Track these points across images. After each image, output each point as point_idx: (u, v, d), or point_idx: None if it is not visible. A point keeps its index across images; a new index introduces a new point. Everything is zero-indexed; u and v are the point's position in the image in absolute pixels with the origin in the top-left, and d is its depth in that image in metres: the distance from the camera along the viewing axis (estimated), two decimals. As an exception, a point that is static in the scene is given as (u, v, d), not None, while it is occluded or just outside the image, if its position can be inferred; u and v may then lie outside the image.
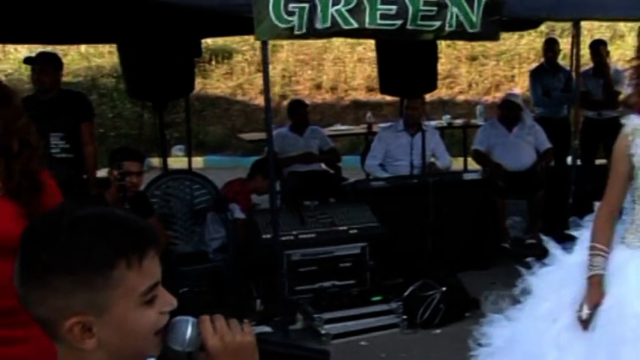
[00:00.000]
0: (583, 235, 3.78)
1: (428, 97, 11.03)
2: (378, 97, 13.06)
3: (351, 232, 6.76)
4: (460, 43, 15.80)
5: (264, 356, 1.65)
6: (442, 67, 15.82)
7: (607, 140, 10.02)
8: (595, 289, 3.51)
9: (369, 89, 15.41)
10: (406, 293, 6.46)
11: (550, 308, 3.70)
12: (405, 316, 6.39)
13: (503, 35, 15.39)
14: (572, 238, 3.87)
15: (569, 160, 10.71)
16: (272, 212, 6.24)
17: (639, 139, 3.51)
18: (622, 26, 15.64)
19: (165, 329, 1.63)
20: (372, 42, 10.09)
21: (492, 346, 3.90)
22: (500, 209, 8.27)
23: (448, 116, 11.91)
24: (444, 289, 6.50)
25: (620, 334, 3.39)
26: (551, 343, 3.59)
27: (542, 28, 14.59)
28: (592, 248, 3.59)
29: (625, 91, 7.48)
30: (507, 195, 8.34)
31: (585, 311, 3.49)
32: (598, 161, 10.35)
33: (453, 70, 16.49)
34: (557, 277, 3.81)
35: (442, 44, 14.86)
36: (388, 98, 11.92)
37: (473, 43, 14.60)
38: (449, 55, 16.50)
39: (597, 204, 3.71)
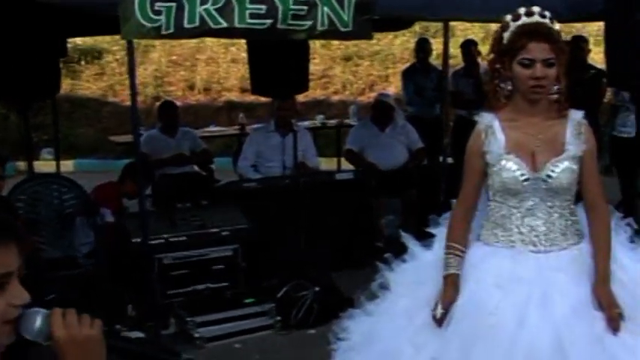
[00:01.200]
0: (442, 233, 3.83)
1: (302, 97, 11.12)
2: (252, 98, 13.07)
3: (222, 234, 6.75)
4: (335, 43, 16.01)
5: (115, 352, 1.72)
6: (316, 67, 15.98)
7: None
8: (450, 289, 3.59)
9: (243, 90, 15.39)
10: (279, 294, 6.52)
11: (407, 305, 3.76)
12: (278, 317, 6.45)
13: (378, 35, 15.66)
14: (432, 236, 3.93)
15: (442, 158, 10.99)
16: (141, 216, 6.20)
17: (493, 137, 3.58)
18: (495, 27, 16.06)
19: (18, 319, 1.75)
20: (245, 42, 10.12)
21: (351, 341, 3.94)
22: (374, 208, 8.40)
23: (322, 116, 12.05)
24: (317, 289, 6.58)
25: (474, 330, 3.45)
26: (407, 341, 3.63)
27: (417, 28, 14.87)
28: (448, 247, 3.66)
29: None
30: (381, 194, 8.46)
31: (440, 310, 3.55)
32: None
33: (327, 71, 16.63)
34: (413, 274, 3.87)
35: (317, 44, 15.02)
36: (262, 99, 11.95)
37: (347, 43, 14.80)
38: (323, 55, 16.66)
39: (455, 201, 3.79)
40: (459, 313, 3.53)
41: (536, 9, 3.53)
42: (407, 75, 11.14)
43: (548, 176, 3.53)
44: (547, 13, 3.55)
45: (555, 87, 3.54)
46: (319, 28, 5.86)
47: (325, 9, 5.80)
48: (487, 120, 3.63)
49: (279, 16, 5.69)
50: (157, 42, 15.33)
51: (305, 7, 5.77)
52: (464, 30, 15.44)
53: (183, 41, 13.55)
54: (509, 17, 3.56)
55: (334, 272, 7.17)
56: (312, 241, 7.27)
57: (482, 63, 11.41)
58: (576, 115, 3.63)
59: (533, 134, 3.57)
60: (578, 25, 13.82)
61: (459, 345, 3.47)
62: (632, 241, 3.81)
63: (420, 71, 10.83)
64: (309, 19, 5.80)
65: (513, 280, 3.51)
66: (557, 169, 3.53)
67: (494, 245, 3.65)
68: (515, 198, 3.58)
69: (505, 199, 3.61)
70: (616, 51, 7.22)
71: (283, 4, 5.65)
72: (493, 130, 3.59)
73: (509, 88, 3.56)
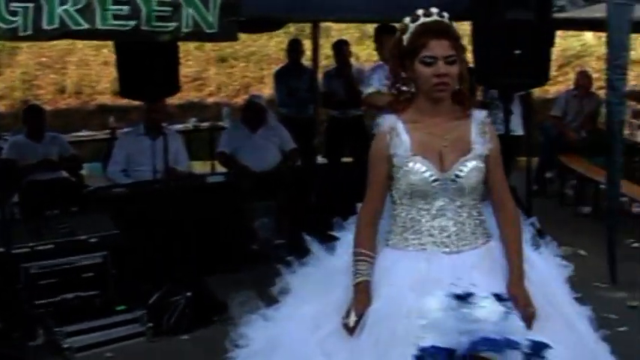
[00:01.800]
0: (346, 238, 3.79)
1: (176, 100, 11.06)
2: (124, 101, 12.90)
3: (91, 241, 6.63)
4: (209, 44, 15.90)
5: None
6: (191, 69, 15.92)
7: (352, 138, 10.53)
8: (361, 296, 3.51)
9: (116, 93, 15.15)
10: (151, 301, 6.45)
11: (313, 312, 3.65)
12: (150, 324, 6.38)
13: (252, 37, 15.70)
14: (336, 239, 3.86)
15: (318, 159, 11.10)
16: (3, 224, 6.06)
17: (397, 139, 3.54)
18: (370, 27, 16.31)
19: None
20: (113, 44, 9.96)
21: (251, 348, 3.77)
22: (247, 211, 8.39)
23: (195, 119, 11.99)
24: (189, 294, 6.55)
25: (390, 334, 3.36)
26: (316, 349, 3.52)
27: (292, 29, 14.96)
28: (356, 254, 3.59)
29: (365, 90, 7.78)
30: (254, 197, 8.46)
31: (353, 318, 3.47)
32: (345, 159, 10.78)
33: (201, 73, 16.57)
34: (319, 280, 3.78)
35: (190, 46, 14.93)
36: (136, 102, 11.82)
37: (222, 45, 14.76)
38: (197, 56, 16.59)
39: (360, 205, 3.72)
40: (373, 319, 3.44)
41: (434, 9, 3.50)
42: (279, 76, 11.20)
43: (457, 176, 3.53)
44: (445, 13, 3.54)
45: (458, 86, 3.55)
46: (184, 29, 5.81)
47: (190, 10, 5.76)
48: (390, 122, 3.59)
49: (143, 17, 5.61)
50: (23, 44, 14.97)
51: (169, 9, 5.71)
52: (339, 30, 15.57)
53: (52, 43, 13.26)
54: (407, 19, 3.55)
55: (208, 276, 7.15)
56: (185, 246, 7.21)
57: (355, 63, 11.59)
58: (479, 115, 3.66)
59: (439, 134, 3.56)
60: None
61: (374, 351, 3.37)
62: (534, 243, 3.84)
63: (292, 72, 10.90)
64: (174, 20, 5.75)
65: (429, 282, 3.45)
66: (466, 169, 3.54)
67: (405, 249, 3.60)
68: (425, 200, 3.56)
69: (413, 202, 3.58)
70: (483, 50, 7.40)
71: (147, 6, 5.59)
72: (397, 132, 3.56)
73: (412, 90, 3.55)
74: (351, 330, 3.47)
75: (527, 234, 3.79)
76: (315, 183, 7.75)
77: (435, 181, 3.51)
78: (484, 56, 7.37)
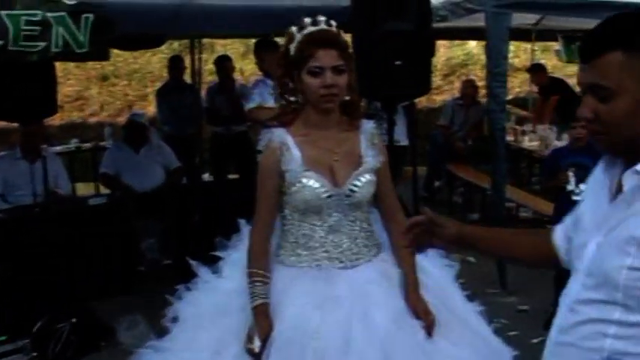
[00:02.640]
0: (230, 257, 3.74)
1: (57, 120, 10.87)
2: (2, 123, 12.64)
3: (-32, 270, 6.50)
4: (90, 63, 15.73)
5: None
6: (71, 88, 15.69)
7: (237, 155, 10.53)
8: (262, 319, 3.39)
9: (-7, 116, 14.85)
10: (34, 329, 6.32)
11: (210, 339, 3.52)
12: (34, 353, 6.23)
13: (134, 54, 15.60)
14: (219, 260, 3.79)
15: (205, 176, 11.06)
16: None
17: (288, 154, 3.48)
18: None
19: None
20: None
21: None
22: (132, 232, 8.29)
23: (76, 140, 11.82)
24: (74, 320, 6.43)
25: (299, 356, 3.29)
26: None
27: (175, 45, 14.91)
28: (251, 274, 3.49)
29: (247, 105, 7.79)
30: (140, 217, 8.37)
31: (257, 343, 3.35)
32: (231, 176, 10.77)
33: (83, 92, 16.35)
34: (212, 305, 3.66)
35: (70, 64, 14.73)
36: (15, 124, 11.61)
37: (103, 62, 14.59)
38: (78, 75, 16.36)
39: (243, 221, 3.71)
40: (279, 342, 3.34)
41: (321, 17, 3.48)
42: (161, 94, 11.13)
43: (352, 191, 3.50)
44: (333, 22, 3.51)
45: (347, 97, 3.51)
46: (54, 49, 5.73)
47: (60, 29, 5.68)
48: (279, 137, 3.52)
49: (10, 37, 5.53)
50: None
51: (38, 28, 5.63)
52: (224, 45, 15.60)
53: None
54: (294, 28, 3.48)
55: (95, 300, 7.03)
56: (69, 271, 7.09)
57: (239, 78, 11.60)
58: (368, 126, 3.64)
59: (329, 148, 3.52)
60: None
61: None
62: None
63: (174, 89, 10.84)
64: (43, 39, 5.67)
65: (330, 300, 3.41)
66: (360, 183, 3.51)
67: (298, 266, 3.55)
68: (318, 215, 3.51)
69: (306, 217, 3.53)
70: (364, 61, 7.48)
71: (14, 25, 5.50)
72: (288, 147, 3.50)
73: (300, 101, 3.49)
74: (257, 355, 3.36)
75: None
76: (200, 201, 7.69)
77: (329, 197, 3.48)
78: (366, 68, 7.42)
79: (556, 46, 13.78)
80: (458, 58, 17.54)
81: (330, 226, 3.52)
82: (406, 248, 3.43)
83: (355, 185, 3.50)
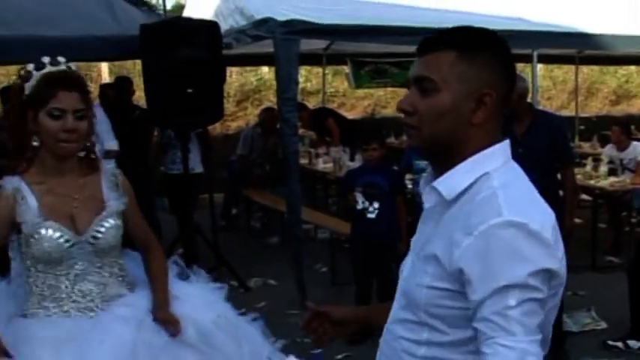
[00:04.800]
0: None
1: None
2: None
3: None
4: None
5: None
6: None
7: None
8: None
9: None
10: None
11: None
12: None
13: None
14: None
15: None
16: None
17: (24, 204, 3.33)
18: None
19: None
20: None
21: None
22: None
23: None
24: None
25: None
26: None
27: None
28: None
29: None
30: None
31: None
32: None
33: None
34: None
35: None
36: None
37: None
38: None
39: None
40: None
41: (61, 58, 3.35)
42: None
43: (94, 237, 3.38)
44: (73, 64, 3.40)
45: (87, 143, 3.43)
46: None
47: None
48: (12, 185, 3.34)
49: None
50: None
51: None
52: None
53: None
54: (31, 66, 3.31)
55: None
56: None
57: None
58: (109, 167, 3.58)
59: (68, 194, 3.39)
60: (128, 63, 14.21)
61: None
62: (183, 276, 3.83)
63: None
64: None
65: (64, 342, 3.30)
66: (103, 229, 3.40)
67: (45, 317, 3.39)
68: (62, 265, 3.36)
69: (50, 268, 3.36)
70: (155, 89, 7.54)
71: None
72: (23, 196, 3.33)
73: (36, 144, 3.32)
74: None
75: (173, 270, 3.79)
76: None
77: (71, 246, 3.34)
78: (157, 96, 7.55)
79: (346, 69, 14.24)
80: (251, 84, 17.75)
81: (76, 275, 3.40)
82: (159, 271, 3.62)
83: (98, 231, 3.40)
